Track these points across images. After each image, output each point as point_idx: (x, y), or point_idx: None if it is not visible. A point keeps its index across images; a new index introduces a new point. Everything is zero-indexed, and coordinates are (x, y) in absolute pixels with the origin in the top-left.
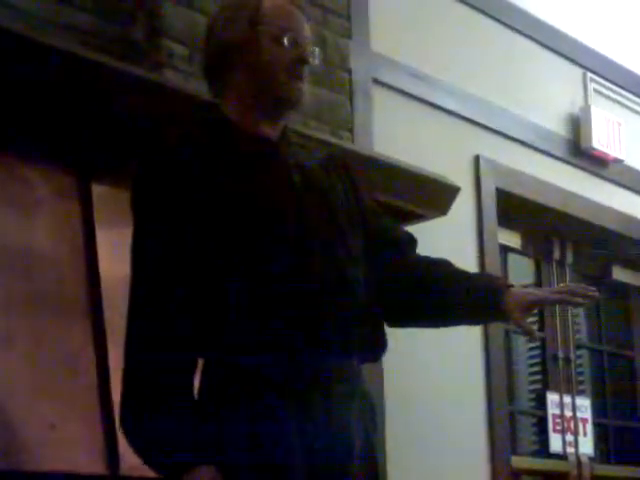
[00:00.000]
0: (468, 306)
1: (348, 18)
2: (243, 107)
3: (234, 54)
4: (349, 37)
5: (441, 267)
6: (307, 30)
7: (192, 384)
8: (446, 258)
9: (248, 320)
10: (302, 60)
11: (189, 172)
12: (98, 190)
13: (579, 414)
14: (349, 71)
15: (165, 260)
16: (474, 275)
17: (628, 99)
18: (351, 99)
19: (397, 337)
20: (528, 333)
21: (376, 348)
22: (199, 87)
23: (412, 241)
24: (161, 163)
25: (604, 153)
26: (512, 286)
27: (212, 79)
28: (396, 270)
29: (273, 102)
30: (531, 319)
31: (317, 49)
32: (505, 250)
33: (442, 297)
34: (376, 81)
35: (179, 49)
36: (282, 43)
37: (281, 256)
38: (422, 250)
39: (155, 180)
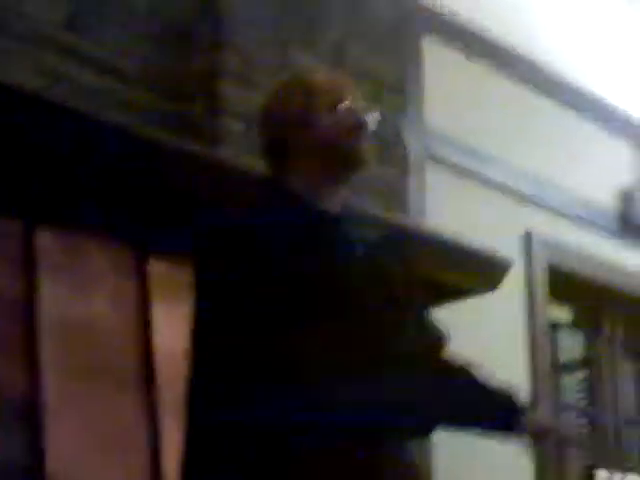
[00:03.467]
0: (484, 420)
1: (403, 93)
2: (308, 180)
3: (294, 129)
4: (404, 112)
5: (462, 377)
6: (360, 97)
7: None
8: (471, 363)
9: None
10: (360, 124)
11: (255, 246)
12: (155, 266)
13: None
14: (404, 147)
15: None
16: (494, 389)
17: None
18: (405, 174)
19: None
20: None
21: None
22: (257, 163)
23: (443, 341)
24: (228, 237)
25: None
26: (528, 407)
27: (273, 156)
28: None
29: (340, 166)
30: None
31: (375, 114)
32: (555, 326)
33: (458, 408)
34: (430, 157)
35: (236, 126)
36: (338, 111)
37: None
38: (473, 325)
39: (223, 253)
